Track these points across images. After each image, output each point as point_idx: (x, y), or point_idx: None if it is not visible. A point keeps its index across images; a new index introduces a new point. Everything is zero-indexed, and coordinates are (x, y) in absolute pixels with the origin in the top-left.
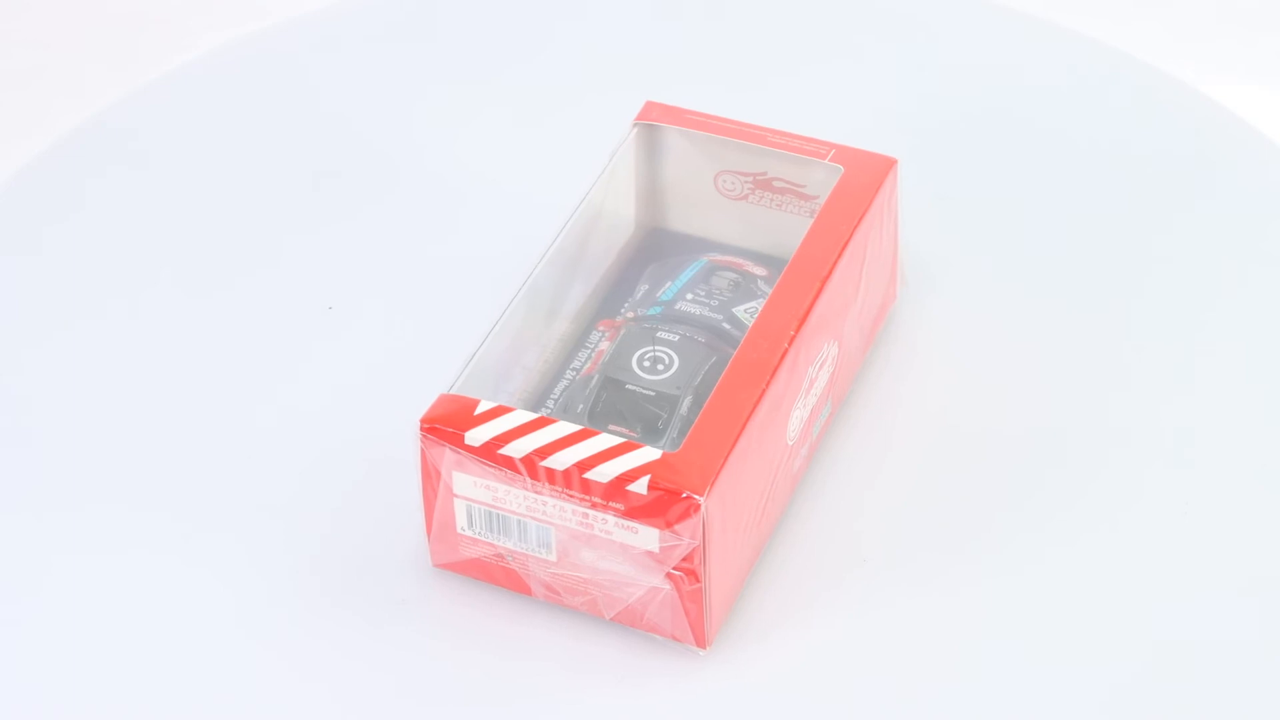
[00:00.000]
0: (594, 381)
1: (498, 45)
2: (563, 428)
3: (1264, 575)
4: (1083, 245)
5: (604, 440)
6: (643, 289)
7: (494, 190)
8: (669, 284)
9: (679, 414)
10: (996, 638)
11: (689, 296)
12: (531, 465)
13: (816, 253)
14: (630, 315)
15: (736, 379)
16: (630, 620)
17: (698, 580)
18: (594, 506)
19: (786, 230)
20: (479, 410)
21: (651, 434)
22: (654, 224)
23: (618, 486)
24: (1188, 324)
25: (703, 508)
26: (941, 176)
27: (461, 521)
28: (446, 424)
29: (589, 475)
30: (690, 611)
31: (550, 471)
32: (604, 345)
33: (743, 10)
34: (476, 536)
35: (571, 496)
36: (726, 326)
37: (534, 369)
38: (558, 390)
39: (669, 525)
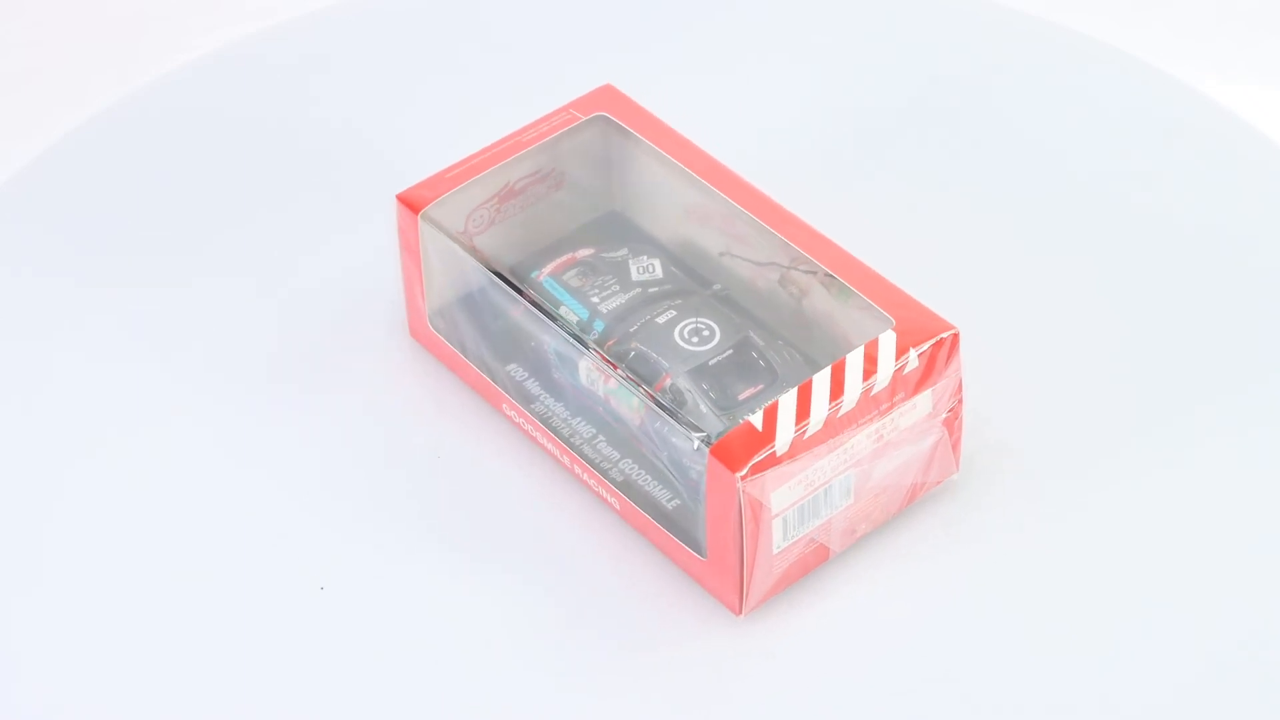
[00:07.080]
0: (683, 383)
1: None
2: (821, 379)
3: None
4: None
5: (853, 360)
6: (561, 326)
7: None
8: (563, 308)
9: (760, 346)
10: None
11: (594, 300)
12: (832, 425)
13: (703, 162)
14: (594, 342)
15: (832, 259)
16: (907, 500)
17: (961, 405)
18: (882, 414)
19: (546, 217)
20: (760, 426)
21: (764, 375)
22: (443, 301)
23: (897, 378)
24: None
25: (959, 333)
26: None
27: (778, 539)
28: (750, 456)
29: (874, 392)
30: (956, 441)
31: (847, 416)
32: (621, 372)
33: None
34: (790, 543)
35: (870, 419)
36: (655, 290)
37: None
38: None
39: (939, 375)
